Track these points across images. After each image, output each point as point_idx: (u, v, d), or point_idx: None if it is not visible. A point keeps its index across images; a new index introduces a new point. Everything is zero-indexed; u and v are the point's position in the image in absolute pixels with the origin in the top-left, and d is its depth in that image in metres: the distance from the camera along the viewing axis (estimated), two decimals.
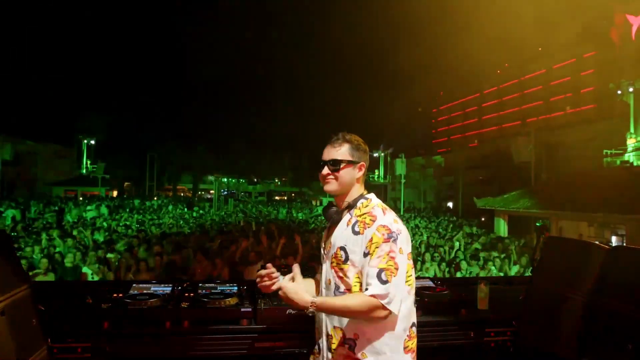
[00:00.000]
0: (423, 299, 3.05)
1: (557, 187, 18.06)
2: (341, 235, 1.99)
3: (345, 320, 1.94)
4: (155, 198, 41.97)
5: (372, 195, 2.07)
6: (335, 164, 2.05)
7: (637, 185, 14.35)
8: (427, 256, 9.52)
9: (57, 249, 9.66)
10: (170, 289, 2.98)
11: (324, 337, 2.03)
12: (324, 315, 2.02)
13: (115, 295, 2.80)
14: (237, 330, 2.67)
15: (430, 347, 2.91)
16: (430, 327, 2.90)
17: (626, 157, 20.53)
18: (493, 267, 8.96)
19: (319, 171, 2.09)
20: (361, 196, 2.05)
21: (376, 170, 51.14)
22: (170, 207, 29.06)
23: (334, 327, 1.98)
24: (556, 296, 2.74)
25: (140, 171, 46.70)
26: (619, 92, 21.68)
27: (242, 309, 2.71)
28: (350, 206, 2.03)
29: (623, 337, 2.29)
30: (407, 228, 2.11)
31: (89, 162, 44.25)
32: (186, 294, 2.90)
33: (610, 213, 13.61)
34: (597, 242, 2.75)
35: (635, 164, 19.85)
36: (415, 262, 9.35)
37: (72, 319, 2.64)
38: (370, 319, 1.85)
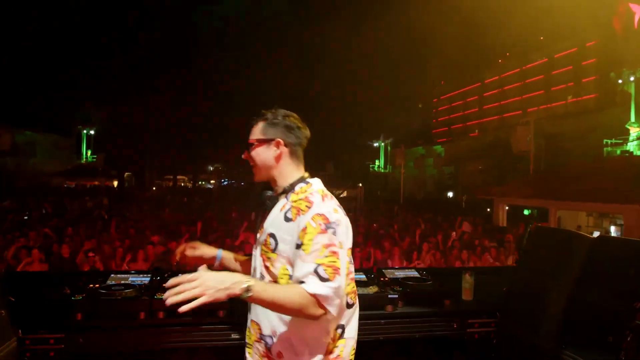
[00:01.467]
0: (406, 289, 3.00)
1: (556, 177, 17.98)
2: (273, 221, 1.76)
3: (262, 314, 1.74)
4: (154, 188, 42.01)
5: (315, 180, 1.84)
6: (248, 146, 1.85)
7: (637, 175, 14.27)
8: (424, 246, 9.49)
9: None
10: (148, 279, 2.93)
11: (246, 330, 1.89)
12: (251, 305, 1.83)
13: (91, 285, 2.75)
14: (214, 322, 2.63)
15: (413, 338, 2.88)
16: (412, 318, 2.87)
17: (626, 146, 20.43)
18: (489, 257, 8.93)
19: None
20: (301, 179, 1.82)
21: (377, 160, 51.08)
22: None
23: (252, 320, 1.82)
24: (539, 287, 2.69)
25: (139, 162, 46.66)
26: (620, 81, 21.54)
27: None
28: (286, 191, 1.80)
29: (604, 329, 2.24)
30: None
31: (89, 152, 44.25)
32: (164, 285, 2.85)
33: (609, 203, 13.53)
34: (581, 233, 2.69)
35: (635, 153, 19.75)
36: (411, 252, 9.36)
37: (46, 310, 2.60)
38: (301, 317, 1.62)
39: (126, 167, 47.30)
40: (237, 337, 2.62)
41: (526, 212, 19.90)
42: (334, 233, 1.63)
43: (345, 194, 39.90)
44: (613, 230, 16.17)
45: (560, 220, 16.25)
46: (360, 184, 33.10)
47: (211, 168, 62.09)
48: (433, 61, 47.74)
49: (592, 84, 33.03)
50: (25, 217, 15.00)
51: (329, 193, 1.79)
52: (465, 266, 8.21)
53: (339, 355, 1.74)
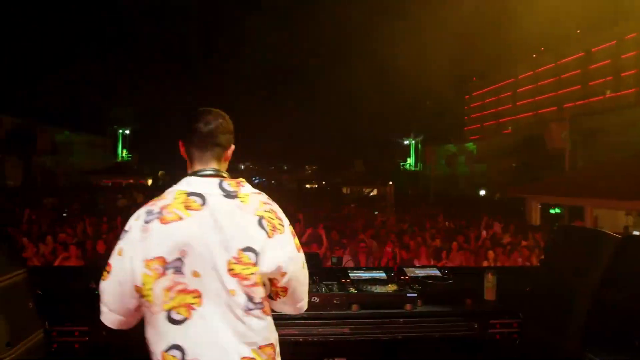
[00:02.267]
0: (426, 288, 2.97)
1: (594, 174, 17.37)
2: None
3: None
4: None
5: (173, 186, 1.67)
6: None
7: None
8: (453, 245, 9.34)
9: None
10: None
11: None
12: None
13: None
14: None
15: (432, 337, 2.84)
16: (432, 317, 2.83)
17: None
18: (519, 257, 8.73)
19: None
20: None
21: (407, 158, 50.63)
22: None
23: None
24: (563, 288, 2.61)
25: (173, 160, 47.68)
26: None
27: None
28: None
29: (631, 332, 2.16)
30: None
31: (124, 151, 45.57)
32: None
33: None
34: (608, 231, 2.60)
35: None
36: (440, 250, 9.23)
37: (71, 303, 2.69)
38: None
39: (160, 166, 48.44)
40: None
41: (552, 210, 19.31)
42: (121, 239, 1.59)
43: (374, 192, 39.74)
44: None
45: (598, 220, 15.72)
46: (391, 182, 32.91)
47: (242, 167, 62.89)
48: (465, 57, 46.97)
49: (632, 78, 31.78)
50: (64, 215, 15.56)
51: (170, 192, 1.62)
52: (491, 266, 8.06)
53: None
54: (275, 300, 1.69)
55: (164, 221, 1.52)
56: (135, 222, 1.57)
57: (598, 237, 2.58)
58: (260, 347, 1.56)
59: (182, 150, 1.78)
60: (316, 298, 2.72)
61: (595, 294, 2.40)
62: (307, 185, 58.62)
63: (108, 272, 1.59)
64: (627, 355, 2.14)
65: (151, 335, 1.61)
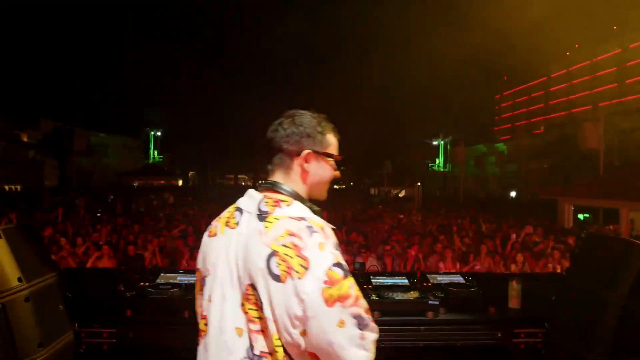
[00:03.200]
0: (448, 296, 2.94)
1: (629, 176, 16.79)
2: None
3: None
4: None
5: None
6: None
7: None
8: (482, 248, 9.19)
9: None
10: (195, 278, 3.06)
11: None
12: None
13: (141, 283, 2.92)
14: None
15: (454, 346, 2.81)
16: (454, 325, 2.80)
17: None
18: (551, 261, 8.51)
19: (338, 171, 1.56)
20: None
21: (436, 159, 50.04)
22: None
23: None
24: (591, 297, 2.55)
25: (203, 161, 48.48)
26: None
27: None
28: None
29: None
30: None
31: (156, 152, 46.62)
32: None
33: None
34: (638, 241, 2.52)
35: None
36: (467, 254, 9.09)
37: (100, 305, 2.78)
38: None
39: (190, 167, 49.35)
40: None
41: (581, 216, 18.71)
42: None
43: (403, 193, 39.42)
44: None
45: (634, 223, 15.18)
46: (419, 183, 32.58)
47: (270, 167, 63.24)
48: (496, 55, 46.14)
49: None
50: (98, 214, 16.01)
51: (230, 207, 1.49)
52: (521, 270, 7.89)
53: None
54: None
55: (209, 234, 1.45)
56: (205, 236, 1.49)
57: (628, 246, 2.50)
58: None
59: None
60: None
61: (625, 306, 2.33)
62: (335, 186, 58.53)
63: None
64: None
65: None
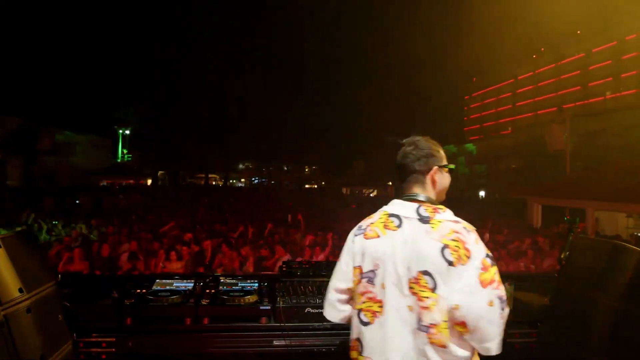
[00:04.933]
0: None
1: (594, 176, 17.43)
2: None
3: None
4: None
5: (391, 202, 1.93)
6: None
7: None
8: None
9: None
10: (192, 284, 3.03)
11: None
12: None
13: (138, 290, 2.87)
14: (256, 328, 2.70)
15: None
16: None
17: None
18: (524, 261, 8.76)
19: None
20: None
21: None
22: None
23: None
24: (584, 299, 2.65)
25: (172, 160, 47.69)
26: None
27: (261, 307, 2.74)
28: None
29: None
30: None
31: (124, 151, 45.56)
32: (207, 290, 2.94)
33: None
34: (627, 244, 2.63)
35: None
36: None
37: (97, 314, 2.72)
38: None
39: (160, 166, 48.44)
40: (278, 343, 2.69)
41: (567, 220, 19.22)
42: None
43: (375, 193, 39.76)
44: None
45: (598, 222, 15.76)
46: (390, 183, 32.90)
47: (241, 166, 62.82)
48: (465, 57, 47.01)
49: (632, 79, 31.86)
50: (66, 215, 15.53)
51: (372, 215, 1.94)
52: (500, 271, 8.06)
53: None
54: (460, 334, 1.67)
55: (366, 237, 1.83)
56: (351, 235, 1.92)
57: (619, 250, 2.61)
58: None
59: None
60: None
61: (619, 307, 2.44)
62: (307, 186, 58.59)
63: (332, 276, 1.96)
64: None
65: (351, 324, 1.90)
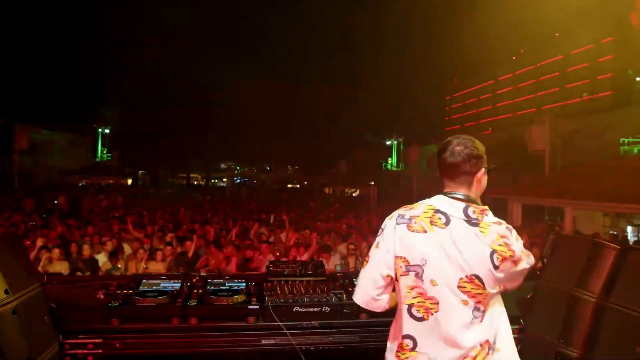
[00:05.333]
0: None
1: (572, 176, 17.82)
2: None
3: None
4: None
5: (426, 199, 2.02)
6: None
7: None
8: None
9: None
10: (179, 285, 3.02)
11: None
12: None
13: (125, 291, 2.85)
14: (245, 328, 2.70)
15: None
16: None
17: None
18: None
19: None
20: None
21: (389, 159, 50.94)
22: None
23: None
24: (565, 295, 2.72)
25: (153, 160, 47.16)
26: (638, 78, 21.23)
27: (250, 307, 2.74)
28: None
29: (632, 339, 2.27)
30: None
31: (104, 150, 44.85)
32: (195, 290, 2.94)
33: (626, 203, 13.38)
34: (607, 242, 2.71)
35: None
36: None
37: (84, 315, 2.70)
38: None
39: (140, 165, 47.84)
40: (267, 342, 2.70)
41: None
42: (377, 235, 1.97)
43: (357, 192, 39.92)
44: (630, 231, 16.01)
45: (576, 220, 16.10)
46: (372, 183, 33.06)
47: (224, 166, 62.41)
48: (447, 58, 47.50)
49: (608, 81, 32.60)
50: (44, 215, 15.26)
51: (416, 204, 1.98)
52: None
53: None
54: None
55: (410, 229, 1.85)
56: (389, 222, 1.93)
57: (598, 247, 2.69)
58: (481, 345, 1.81)
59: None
60: (327, 307, 2.78)
61: (598, 302, 2.51)
62: (289, 186, 58.53)
63: (367, 262, 1.96)
64: None
65: (397, 320, 1.96)
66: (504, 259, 1.76)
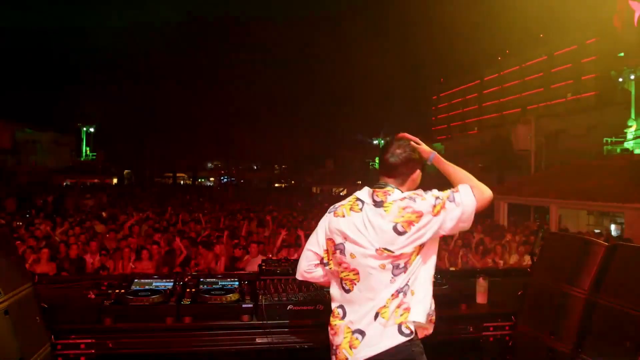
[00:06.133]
0: None
1: (557, 175, 18.07)
2: None
3: None
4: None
5: (364, 188, 2.21)
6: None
7: (637, 173, 14.34)
8: None
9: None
10: (172, 284, 3.00)
11: None
12: None
13: (117, 291, 2.82)
14: (238, 326, 2.70)
15: (430, 341, 2.94)
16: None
17: (626, 145, 20.51)
18: (493, 257, 8.99)
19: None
20: None
21: (376, 158, 51.09)
22: None
23: None
24: (555, 292, 2.76)
25: (139, 159, 46.74)
26: (621, 79, 21.58)
27: (244, 305, 2.74)
28: None
29: (621, 334, 2.31)
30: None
31: (88, 149, 44.29)
32: (188, 289, 2.92)
33: (610, 201, 13.60)
34: (595, 239, 2.76)
35: (635, 152, 19.83)
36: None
37: (75, 315, 2.67)
38: None
39: (126, 164, 47.36)
40: (261, 341, 2.69)
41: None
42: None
43: (345, 192, 39.92)
44: (613, 229, 16.26)
45: (561, 219, 16.32)
46: (360, 182, 33.09)
47: (210, 165, 62.06)
48: (433, 59, 47.79)
49: (592, 82, 33.06)
50: (27, 215, 15.03)
51: (357, 192, 2.18)
52: (468, 267, 8.27)
53: (335, 333, 2.08)
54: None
55: (336, 215, 2.13)
56: (330, 209, 2.21)
57: (587, 244, 2.74)
58: (392, 295, 1.98)
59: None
60: (321, 305, 2.78)
61: (588, 298, 2.55)
62: (276, 185, 58.40)
63: (306, 244, 2.27)
64: (618, 356, 2.29)
65: (333, 293, 2.16)
66: (410, 223, 1.94)
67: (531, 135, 20.63)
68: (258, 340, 2.69)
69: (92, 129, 44.23)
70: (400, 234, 1.97)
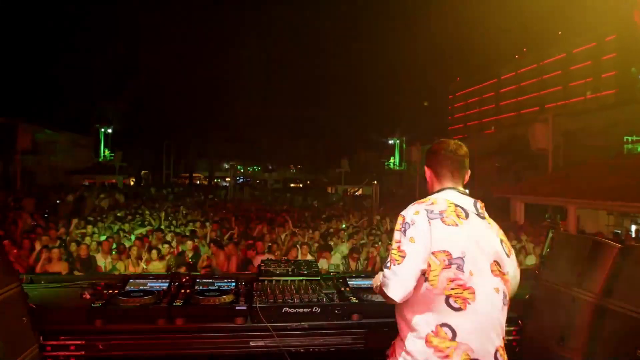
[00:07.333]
0: None
1: (576, 175, 17.67)
2: None
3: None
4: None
5: (437, 194, 2.11)
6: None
7: None
8: None
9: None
10: (167, 284, 2.94)
11: None
12: None
13: (110, 291, 2.77)
14: (232, 329, 2.62)
15: None
16: None
17: None
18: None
19: None
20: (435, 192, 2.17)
21: (392, 157, 50.82)
22: None
23: None
24: (564, 295, 2.63)
25: (156, 159, 47.19)
26: None
27: (237, 307, 2.66)
28: None
29: (633, 341, 2.18)
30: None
31: (106, 150, 44.89)
32: (182, 290, 2.86)
33: (630, 201, 13.24)
34: (607, 240, 2.62)
35: None
36: None
37: (66, 316, 2.62)
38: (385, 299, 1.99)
39: (143, 165, 47.89)
40: (254, 344, 2.61)
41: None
42: (405, 231, 1.95)
43: (360, 191, 39.78)
44: (634, 229, 15.85)
45: (580, 219, 15.96)
46: (375, 182, 32.91)
47: (226, 165, 62.39)
48: (449, 57, 47.39)
49: (612, 79, 32.43)
50: (45, 215, 15.22)
51: (427, 200, 2.07)
52: None
53: (447, 356, 1.88)
54: None
55: (445, 222, 1.93)
56: (418, 217, 1.96)
57: (598, 245, 2.59)
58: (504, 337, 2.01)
59: (429, 173, 2.21)
60: (317, 308, 2.69)
61: (598, 303, 2.42)
62: (292, 185, 58.46)
63: (402, 257, 1.92)
64: None
65: (423, 311, 1.94)
66: (509, 249, 2.02)
67: (549, 134, 20.22)
68: (252, 344, 2.61)
69: (110, 130, 44.83)
70: (506, 255, 2.02)
